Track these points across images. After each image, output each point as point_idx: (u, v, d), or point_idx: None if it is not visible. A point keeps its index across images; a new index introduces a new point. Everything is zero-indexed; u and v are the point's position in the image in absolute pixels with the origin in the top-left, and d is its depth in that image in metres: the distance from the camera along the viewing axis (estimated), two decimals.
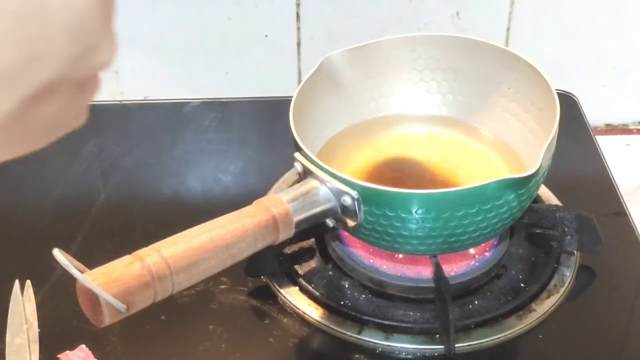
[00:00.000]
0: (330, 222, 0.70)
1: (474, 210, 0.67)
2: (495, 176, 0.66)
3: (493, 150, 0.82)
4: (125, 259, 0.57)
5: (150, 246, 0.58)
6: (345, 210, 0.67)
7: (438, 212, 0.66)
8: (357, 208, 0.67)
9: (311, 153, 0.70)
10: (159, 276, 0.57)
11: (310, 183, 0.68)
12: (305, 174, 0.69)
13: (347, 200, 0.67)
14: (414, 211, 0.66)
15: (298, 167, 0.70)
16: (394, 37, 0.83)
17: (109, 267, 0.56)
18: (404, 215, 0.67)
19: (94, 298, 0.55)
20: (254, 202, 0.65)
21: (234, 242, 0.61)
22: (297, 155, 0.71)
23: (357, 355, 0.72)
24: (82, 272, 0.54)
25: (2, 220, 0.87)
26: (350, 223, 0.68)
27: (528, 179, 0.67)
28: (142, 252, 0.58)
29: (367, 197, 0.67)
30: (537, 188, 0.72)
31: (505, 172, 0.79)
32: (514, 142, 0.82)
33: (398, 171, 0.81)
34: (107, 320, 0.56)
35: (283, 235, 0.65)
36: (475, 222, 0.68)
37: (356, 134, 0.84)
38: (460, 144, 0.83)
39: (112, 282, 0.55)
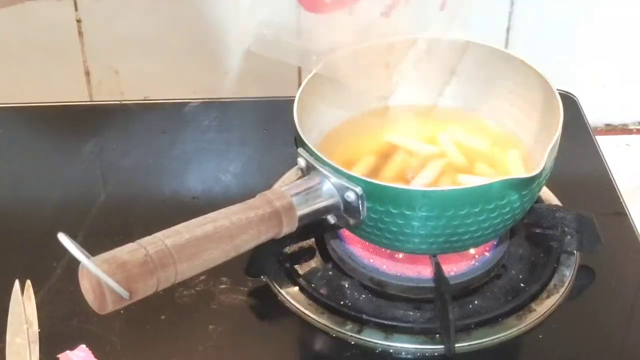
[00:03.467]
0: (331, 219, 0.70)
1: (477, 210, 0.67)
2: (498, 177, 0.67)
3: (495, 152, 0.82)
4: (130, 246, 0.57)
5: (155, 234, 0.59)
6: (348, 207, 0.68)
7: (441, 210, 0.67)
8: (360, 204, 0.67)
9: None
10: (163, 264, 0.57)
11: (314, 178, 0.68)
12: (309, 169, 0.69)
13: (351, 196, 0.67)
14: (417, 208, 0.66)
15: (301, 162, 0.70)
16: (397, 38, 0.83)
17: (113, 253, 0.56)
18: (408, 213, 0.67)
19: (96, 284, 0.55)
20: (258, 195, 0.66)
21: (238, 234, 0.62)
22: (300, 150, 0.71)
23: (357, 355, 0.72)
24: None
25: (2, 220, 0.87)
26: (352, 220, 0.69)
27: (532, 179, 0.67)
28: (146, 240, 0.58)
29: (370, 193, 0.67)
30: (540, 189, 0.73)
31: (508, 174, 0.79)
32: (515, 144, 0.82)
33: (399, 169, 0.81)
34: (110, 306, 0.56)
35: (286, 229, 0.65)
36: (478, 222, 0.68)
37: (357, 131, 0.84)
38: (461, 144, 0.83)
39: (115, 269, 0.55)
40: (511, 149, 0.82)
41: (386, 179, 0.78)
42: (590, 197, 0.90)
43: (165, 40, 1.04)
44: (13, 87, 1.06)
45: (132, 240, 0.58)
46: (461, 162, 0.81)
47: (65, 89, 1.06)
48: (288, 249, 0.80)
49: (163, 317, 0.74)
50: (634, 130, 1.11)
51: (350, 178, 0.67)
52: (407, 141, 0.83)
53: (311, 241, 0.81)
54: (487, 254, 0.78)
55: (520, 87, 0.81)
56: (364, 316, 0.74)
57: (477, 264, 0.78)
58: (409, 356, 0.72)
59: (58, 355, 0.69)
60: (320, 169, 0.68)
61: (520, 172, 0.78)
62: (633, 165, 1.01)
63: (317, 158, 0.69)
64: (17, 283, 0.75)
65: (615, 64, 1.07)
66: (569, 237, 0.80)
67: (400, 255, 0.78)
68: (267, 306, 0.76)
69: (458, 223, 0.67)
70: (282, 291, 0.77)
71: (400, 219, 0.67)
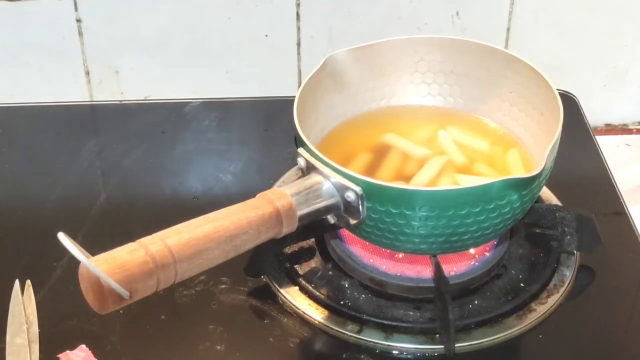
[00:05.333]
0: (331, 219, 0.70)
1: (477, 210, 0.67)
2: (498, 177, 0.67)
3: (495, 151, 0.83)
4: (130, 246, 0.57)
5: (155, 234, 0.59)
6: (348, 206, 0.68)
7: (441, 210, 0.67)
8: (360, 204, 0.67)
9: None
10: (163, 264, 0.57)
11: (314, 178, 0.68)
12: (309, 169, 0.69)
13: (351, 196, 0.67)
14: (417, 208, 0.66)
15: (301, 162, 0.70)
16: (397, 38, 0.84)
17: (113, 253, 0.56)
18: (408, 213, 0.67)
19: (96, 284, 0.55)
20: (258, 194, 0.65)
21: (238, 234, 0.62)
22: (300, 150, 0.71)
23: (357, 355, 0.72)
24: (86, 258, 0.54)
25: (2, 220, 0.87)
26: (352, 220, 0.68)
27: (532, 179, 0.67)
28: (146, 239, 0.58)
29: (371, 193, 0.67)
30: (540, 189, 0.73)
31: (508, 173, 0.79)
32: (515, 144, 0.82)
33: (399, 168, 0.81)
34: (110, 307, 0.56)
35: (286, 229, 0.65)
36: (478, 222, 0.68)
37: (356, 131, 0.84)
38: (461, 144, 0.83)
39: (116, 269, 0.55)
40: (511, 149, 0.82)
41: (385, 177, 0.79)
42: (590, 197, 0.90)
43: (165, 40, 1.04)
44: (13, 87, 1.06)
45: (132, 240, 0.58)
46: (461, 161, 0.81)
47: (65, 89, 1.06)
48: (288, 249, 0.80)
49: (163, 317, 0.74)
50: (634, 130, 1.11)
51: (350, 178, 0.67)
52: (401, 142, 0.83)
53: (311, 241, 0.81)
54: (487, 253, 0.78)
55: (520, 87, 0.81)
56: (364, 316, 0.74)
57: (477, 263, 0.78)
58: (409, 356, 0.72)
59: (58, 355, 0.69)
60: (320, 168, 0.68)
61: (520, 171, 0.78)
62: (633, 165, 1.01)
63: (317, 158, 0.69)
64: (17, 283, 0.75)
65: (615, 63, 1.07)
66: (569, 237, 0.80)
67: (400, 255, 0.78)
68: (267, 306, 0.76)
69: (458, 223, 0.67)
70: (282, 291, 0.77)
71: (400, 219, 0.67)
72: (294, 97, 0.75)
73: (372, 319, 0.74)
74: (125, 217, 0.86)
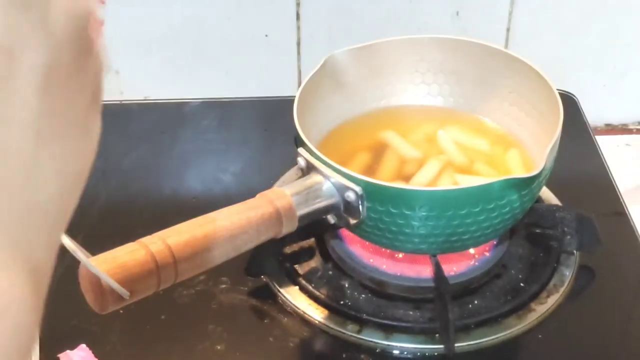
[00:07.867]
0: (331, 219, 0.70)
1: (477, 210, 0.67)
2: (498, 177, 0.67)
3: (494, 151, 0.82)
4: (130, 246, 0.57)
5: (155, 234, 0.59)
6: (348, 206, 0.68)
7: (441, 210, 0.67)
8: (360, 204, 0.67)
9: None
10: (163, 264, 0.57)
11: (314, 178, 0.68)
12: (309, 169, 0.69)
13: (351, 196, 0.67)
14: (417, 208, 0.66)
15: (301, 162, 0.70)
16: (397, 38, 0.84)
17: (113, 253, 0.56)
18: (408, 213, 0.67)
19: (97, 284, 0.55)
20: (258, 194, 0.66)
21: (238, 234, 0.62)
22: (300, 150, 0.71)
23: (357, 355, 0.72)
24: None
25: None
26: (352, 220, 0.69)
27: (532, 179, 0.67)
28: (146, 239, 0.58)
29: (371, 193, 0.67)
30: (540, 189, 0.73)
31: (508, 173, 0.79)
32: (515, 144, 0.82)
33: (399, 168, 0.81)
34: (110, 306, 0.56)
35: (286, 229, 0.65)
36: (478, 222, 0.68)
37: (356, 131, 0.84)
38: (461, 143, 0.83)
39: (116, 268, 0.55)
40: (511, 149, 0.82)
41: (385, 177, 0.79)
42: (590, 197, 0.90)
43: (165, 40, 1.04)
44: None
45: (132, 240, 0.58)
46: (461, 161, 0.81)
47: None
48: (288, 249, 0.80)
49: (163, 317, 0.74)
50: (634, 130, 1.11)
51: (350, 178, 0.67)
52: (396, 141, 0.83)
53: (311, 241, 0.81)
54: (487, 253, 0.78)
55: (520, 86, 0.81)
56: (364, 316, 0.74)
57: (477, 263, 0.78)
58: (409, 356, 0.72)
59: (58, 355, 0.69)
60: (320, 168, 0.68)
61: (520, 171, 0.78)
62: (633, 165, 1.01)
63: (317, 158, 0.69)
64: None
65: (615, 63, 1.07)
66: (568, 237, 0.80)
67: (400, 255, 0.78)
68: (267, 306, 0.76)
69: (458, 223, 0.67)
70: (282, 291, 0.77)
71: (400, 219, 0.67)
72: (294, 97, 0.75)
73: (372, 318, 0.74)
74: (125, 217, 0.86)
